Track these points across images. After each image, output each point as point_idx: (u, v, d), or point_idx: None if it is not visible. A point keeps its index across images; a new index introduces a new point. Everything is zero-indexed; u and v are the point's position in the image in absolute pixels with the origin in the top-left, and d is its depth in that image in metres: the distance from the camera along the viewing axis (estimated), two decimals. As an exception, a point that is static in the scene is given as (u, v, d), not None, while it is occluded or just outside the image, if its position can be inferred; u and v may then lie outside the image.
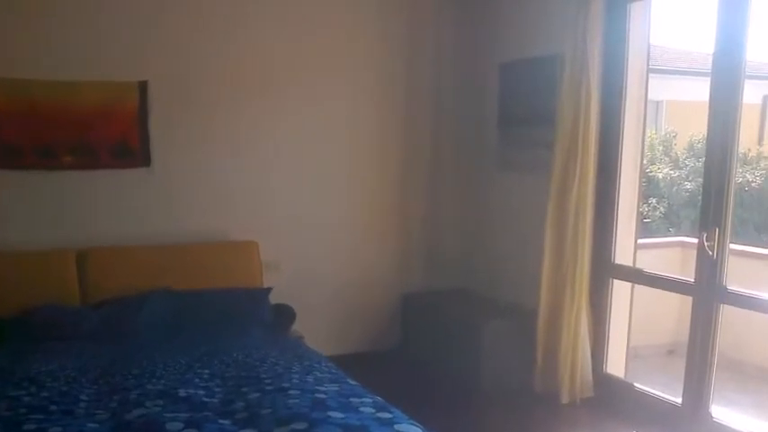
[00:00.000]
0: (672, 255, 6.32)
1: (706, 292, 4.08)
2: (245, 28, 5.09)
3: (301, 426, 2.77)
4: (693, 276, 4.18)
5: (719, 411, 4.15)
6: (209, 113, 5.05)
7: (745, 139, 9.21)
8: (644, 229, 8.74)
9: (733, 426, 4.01)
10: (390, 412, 2.98)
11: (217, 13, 5.02)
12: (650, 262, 4.84)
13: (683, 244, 6.45)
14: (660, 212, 9.98)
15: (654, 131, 10.95)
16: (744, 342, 5.53)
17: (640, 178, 4.86)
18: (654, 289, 4.63)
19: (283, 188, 5.33)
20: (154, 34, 4.87)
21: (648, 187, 9.86)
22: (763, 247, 6.55)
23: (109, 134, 4.78)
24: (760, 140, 11.37)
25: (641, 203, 5.58)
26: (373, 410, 2.99)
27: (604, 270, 4.75)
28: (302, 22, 5.24)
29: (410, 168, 5.74)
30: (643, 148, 4.87)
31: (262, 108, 5.19)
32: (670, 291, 4.56)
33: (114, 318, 4.36)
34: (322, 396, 3.15)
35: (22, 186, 4.65)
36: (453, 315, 5.35)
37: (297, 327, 4.81)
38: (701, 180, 4.38)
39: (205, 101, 5.03)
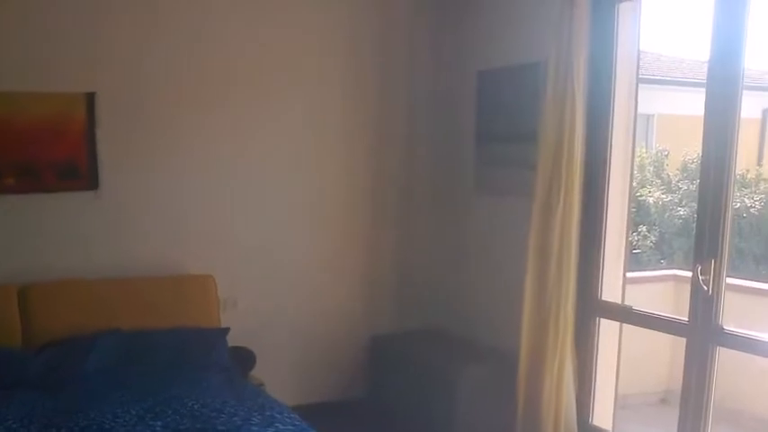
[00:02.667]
0: (664, 290, 6.34)
1: (701, 332, 4.02)
2: (205, 34, 5.09)
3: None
4: (687, 315, 4.11)
5: (715, 468, 4.12)
6: (162, 130, 5.05)
7: (743, 159, 9.07)
8: (633, 260, 8.72)
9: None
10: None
11: (173, 16, 5.01)
12: (640, 298, 4.78)
13: (676, 278, 6.46)
14: (651, 242, 9.97)
15: (644, 149, 10.90)
16: (741, 389, 5.52)
17: (629, 203, 4.80)
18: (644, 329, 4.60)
19: (242, 214, 5.32)
20: (103, 40, 4.84)
21: (638, 213, 9.82)
22: (762, 282, 6.59)
23: (53, 153, 4.76)
24: (759, 160, 11.28)
25: (630, 232, 5.54)
26: (341, 468, 3.04)
27: (590, 308, 4.68)
28: (266, 31, 5.26)
29: (380, 193, 5.75)
30: (632, 168, 4.80)
31: (220, 125, 5.19)
32: (661, 331, 4.52)
33: (60, 362, 4.33)
34: (285, 452, 3.18)
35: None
36: (427, 359, 5.33)
37: (256, 372, 4.82)
38: (695, 205, 4.31)
39: (159, 116, 5.03)
